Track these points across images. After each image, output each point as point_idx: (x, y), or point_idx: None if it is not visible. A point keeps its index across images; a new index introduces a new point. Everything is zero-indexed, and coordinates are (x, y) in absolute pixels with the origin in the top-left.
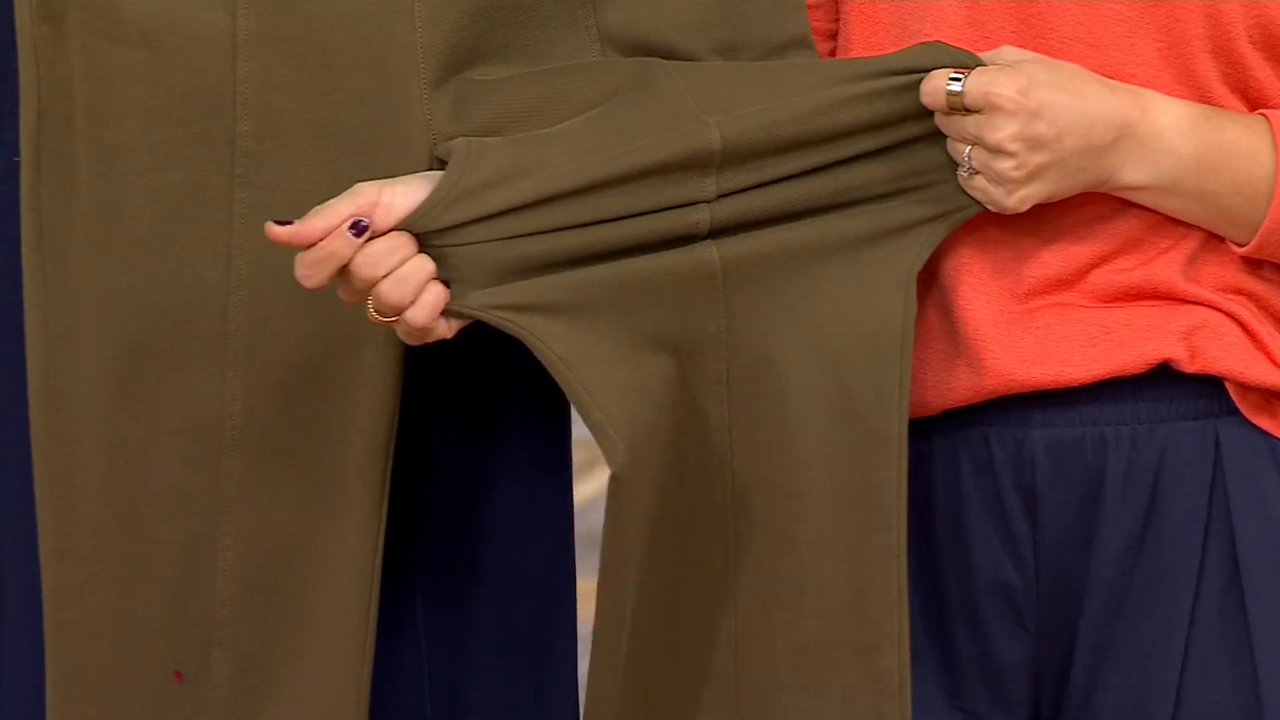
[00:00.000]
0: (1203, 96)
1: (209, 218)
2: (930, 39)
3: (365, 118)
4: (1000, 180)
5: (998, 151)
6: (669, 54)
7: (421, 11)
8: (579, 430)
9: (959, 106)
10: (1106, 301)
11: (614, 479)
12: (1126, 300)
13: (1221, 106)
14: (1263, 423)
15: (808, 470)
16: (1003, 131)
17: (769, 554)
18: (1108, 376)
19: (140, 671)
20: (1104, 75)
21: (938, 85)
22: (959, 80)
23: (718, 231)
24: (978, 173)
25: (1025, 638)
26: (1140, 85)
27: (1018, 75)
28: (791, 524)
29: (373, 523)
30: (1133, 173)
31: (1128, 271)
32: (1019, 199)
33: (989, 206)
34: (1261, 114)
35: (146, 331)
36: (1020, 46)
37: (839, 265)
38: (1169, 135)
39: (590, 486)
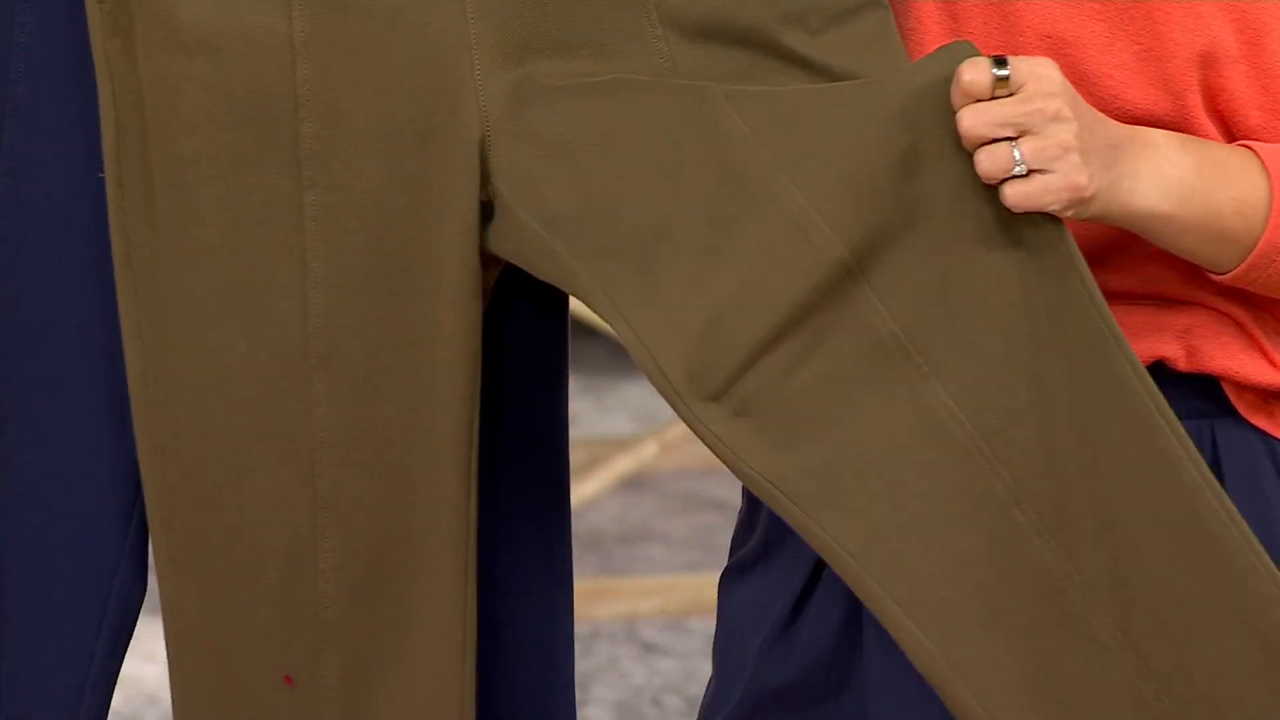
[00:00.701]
0: (1176, 102)
1: (280, 221)
2: (909, 35)
3: (422, 111)
4: (1062, 153)
5: (1056, 119)
6: (735, 29)
7: (473, 4)
8: (576, 430)
9: (1004, 87)
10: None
11: None
12: (1122, 300)
13: (1194, 115)
14: (1260, 422)
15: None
16: (1057, 100)
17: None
18: None
19: (252, 678)
20: (1078, 77)
21: (981, 67)
22: (1004, 63)
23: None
24: (1031, 170)
25: None
26: (1115, 87)
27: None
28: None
29: (463, 516)
30: (1146, 191)
31: (1123, 271)
32: (1089, 177)
33: (1054, 208)
34: (1242, 144)
35: (229, 339)
36: (998, 45)
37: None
38: (1166, 149)
39: (590, 486)
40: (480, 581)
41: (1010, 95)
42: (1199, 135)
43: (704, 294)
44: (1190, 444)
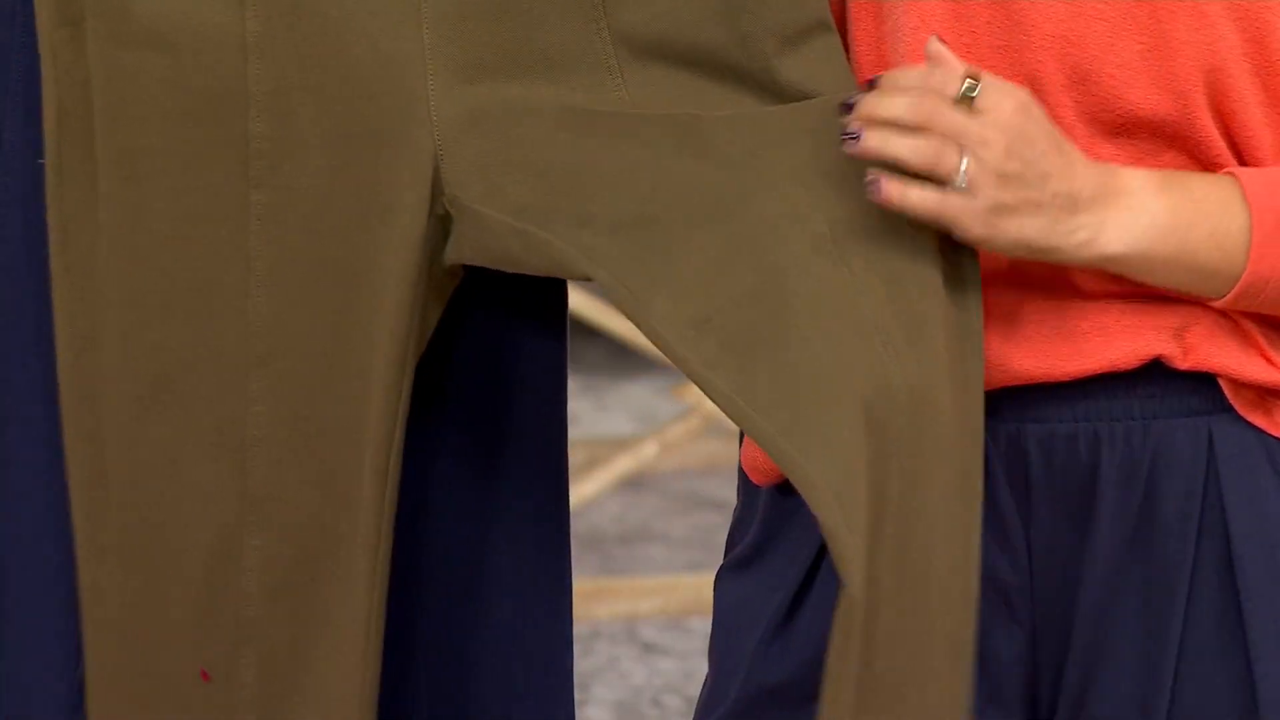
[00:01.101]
0: (1179, 102)
1: (227, 219)
2: (911, 34)
3: (373, 118)
4: (979, 185)
5: (1001, 154)
6: (688, 50)
7: (428, 13)
8: (576, 430)
9: (965, 104)
10: (1099, 298)
11: (850, 604)
12: (1117, 299)
13: (1197, 115)
14: (1257, 420)
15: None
16: (1004, 141)
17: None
18: (1099, 371)
19: (170, 670)
20: (1081, 76)
21: (956, 71)
22: (976, 83)
23: None
24: (961, 190)
25: (1020, 635)
26: (1118, 86)
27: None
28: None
29: (377, 522)
30: (1115, 239)
31: (1116, 276)
32: (1000, 229)
33: (956, 230)
34: (1227, 172)
35: (169, 333)
36: (1003, 45)
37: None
38: (1140, 194)
39: (589, 486)
40: (480, 581)
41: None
42: (1199, 135)
43: (688, 254)
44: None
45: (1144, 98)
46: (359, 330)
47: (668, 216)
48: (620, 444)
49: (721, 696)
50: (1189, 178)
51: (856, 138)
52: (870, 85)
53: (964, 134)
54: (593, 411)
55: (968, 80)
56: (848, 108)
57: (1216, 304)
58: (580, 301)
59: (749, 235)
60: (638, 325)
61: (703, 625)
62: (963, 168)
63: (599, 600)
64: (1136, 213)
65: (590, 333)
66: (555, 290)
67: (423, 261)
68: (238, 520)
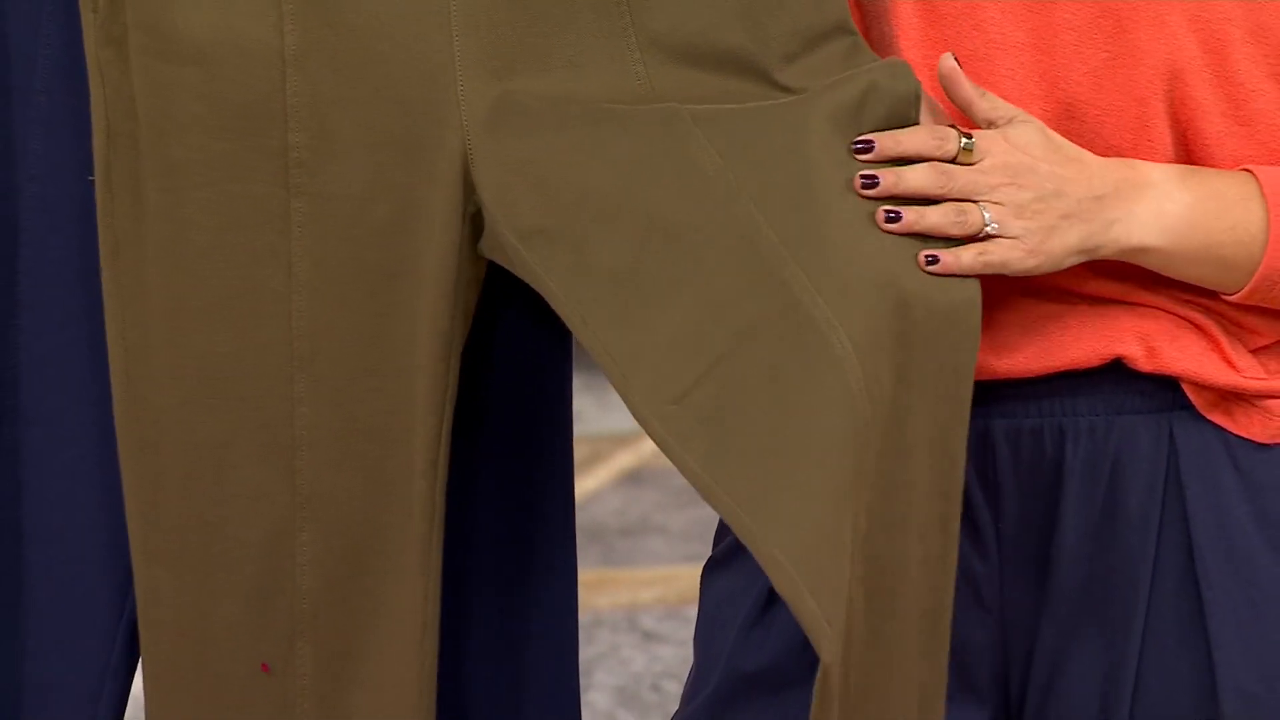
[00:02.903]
0: (1139, 109)
1: (268, 227)
2: (890, 39)
3: (407, 124)
4: (1007, 225)
5: (1013, 186)
6: (713, 53)
7: (457, 20)
8: (579, 427)
9: (967, 157)
10: (1065, 299)
11: (825, 671)
12: (1084, 300)
13: (1153, 122)
14: (1217, 419)
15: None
16: (1007, 173)
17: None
18: (1061, 369)
19: (229, 665)
20: (1049, 82)
21: (950, 139)
22: (970, 139)
23: None
24: (995, 236)
25: (990, 623)
26: (1082, 92)
27: (1011, 135)
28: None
29: (430, 513)
30: (1139, 232)
31: (1085, 275)
32: (1046, 251)
33: (1010, 271)
34: (1244, 169)
35: (215, 339)
36: (971, 50)
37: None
38: (1164, 186)
39: (592, 481)
40: (488, 573)
41: (970, 165)
42: (1153, 142)
43: (668, 313)
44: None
45: (1107, 104)
46: (401, 329)
47: (654, 265)
48: (621, 440)
49: (704, 683)
50: (1206, 172)
51: (898, 218)
52: (865, 145)
53: (975, 190)
54: (595, 409)
55: (963, 138)
56: (859, 148)
57: (1232, 298)
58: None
59: (726, 293)
60: (622, 398)
61: None
62: (986, 218)
63: (601, 590)
64: (1162, 203)
65: None
66: None
67: (459, 259)
68: (289, 517)
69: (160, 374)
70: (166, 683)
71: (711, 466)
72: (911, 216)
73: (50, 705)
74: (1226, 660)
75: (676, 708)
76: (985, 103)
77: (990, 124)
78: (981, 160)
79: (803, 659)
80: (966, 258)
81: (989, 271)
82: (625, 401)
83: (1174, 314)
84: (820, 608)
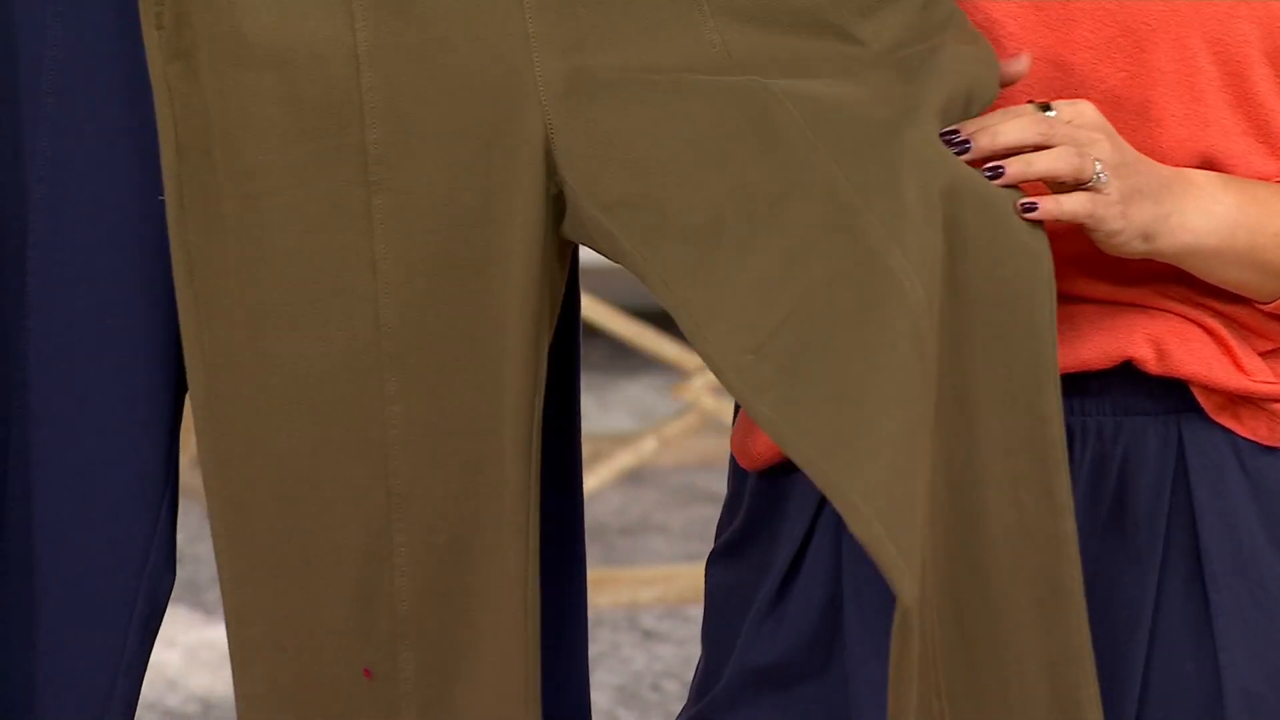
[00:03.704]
0: (1157, 130)
1: (351, 226)
2: None
3: (485, 112)
4: (1112, 178)
5: (1092, 131)
6: (786, 13)
7: (530, 4)
8: (584, 425)
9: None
10: (1075, 303)
11: (904, 615)
12: (1094, 303)
13: (1173, 144)
14: (1225, 421)
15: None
16: (1100, 132)
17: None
18: (1071, 370)
19: (332, 675)
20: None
21: (1026, 109)
22: (1048, 106)
23: None
24: (1094, 190)
25: None
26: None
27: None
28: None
29: (525, 502)
30: (1192, 226)
31: (1097, 277)
32: (1130, 217)
33: (1100, 228)
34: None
35: (302, 344)
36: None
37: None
38: (1209, 188)
39: (592, 480)
40: None
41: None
42: (1172, 163)
43: (747, 266)
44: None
45: (1124, 123)
46: (489, 319)
47: (735, 220)
48: (621, 440)
49: (714, 678)
50: (1247, 181)
51: (1001, 172)
52: (962, 145)
53: (1077, 139)
54: (595, 409)
55: (1037, 103)
56: (956, 146)
57: (1267, 307)
58: (583, 304)
59: (804, 245)
60: (697, 350)
61: (700, 613)
62: (1097, 167)
63: (601, 589)
64: (1210, 203)
65: (592, 333)
66: (569, 293)
67: (545, 242)
68: (385, 520)
69: (245, 388)
70: (266, 701)
71: (787, 413)
72: (1018, 167)
73: (63, 703)
74: (1233, 661)
75: (676, 707)
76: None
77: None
78: (1073, 120)
79: (814, 653)
80: (1069, 203)
81: (1088, 221)
82: (699, 352)
83: (1184, 317)
84: (900, 551)
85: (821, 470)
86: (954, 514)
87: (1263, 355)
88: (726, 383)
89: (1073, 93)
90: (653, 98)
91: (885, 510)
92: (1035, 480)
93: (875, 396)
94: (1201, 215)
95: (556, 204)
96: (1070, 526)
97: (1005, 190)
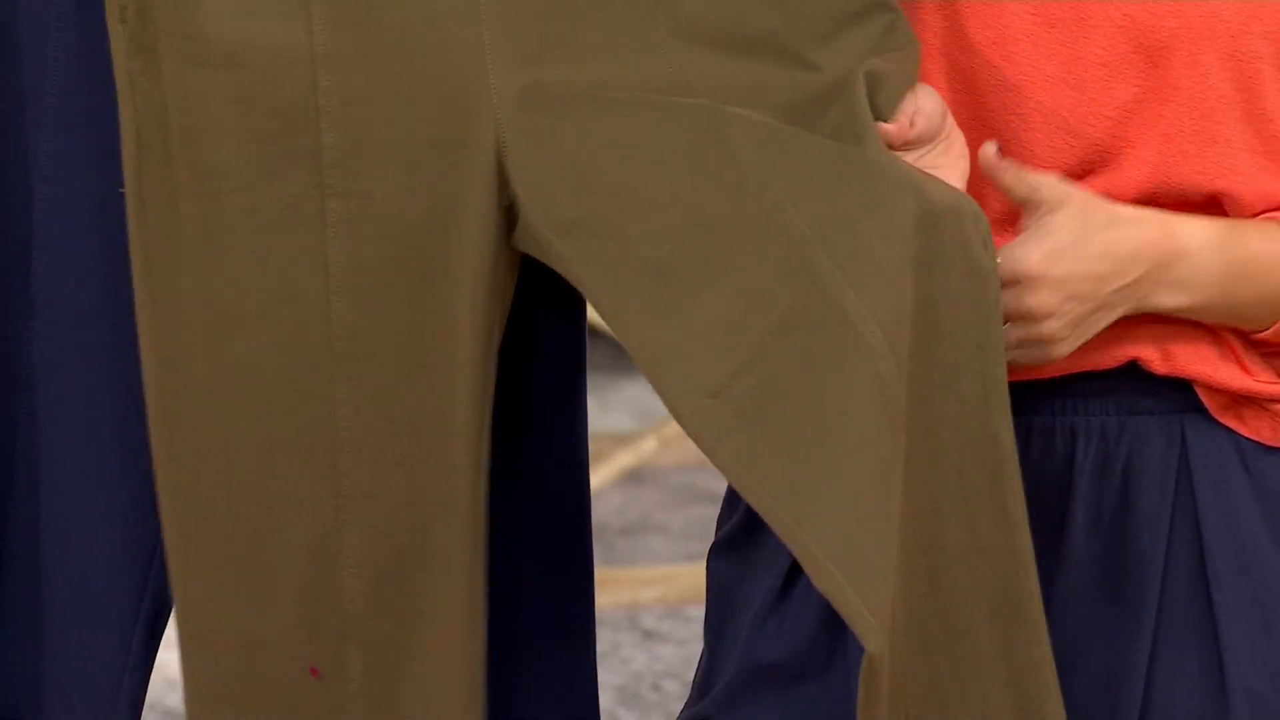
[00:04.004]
0: (1168, 147)
1: (305, 229)
2: (922, 71)
3: (440, 120)
4: (1047, 341)
5: (1035, 318)
6: (744, 39)
7: (487, 11)
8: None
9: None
10: None
11: (870, 663)
12: None
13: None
14: (1229, 421)
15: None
16: (1036, 298)
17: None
18: (1077, 370)
19: (278, 673)
20: (1075, 118)
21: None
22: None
23: None
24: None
25: None
26: (1110, 125)
27: (1043, 240)
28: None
29: (474, 509)
30: (1167, 299)
31: None
32: (1065, 350)
33: (1030, 365)
34: (1274, 219)
35: (254, 344)
36: (1001, 80)
37: None
38: (1197, 257)
39: (592, 480)
40: (509, 572)
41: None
42: (1181, 180)
43: (704, 305)
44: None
45: (1137, 139)
46: (440, 326)
47: (692, 256)
48: (621, 440)
49: (718, 675)
50: (1248, 235)
51: None
52: None
53: (1033, 344)
54: (595, 409)
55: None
56: None
57: (1258, 336)
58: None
59: (762, 286)
60: (655, 390)
61: (701, 613)
62: (1044, 333)
63: (601, 589)
64: (1193, 276)
65: (593, 333)
66: (573, 294)
67: (496, 253)
68: (334, 520)
69: (197, 385)
70: (211, 696)
71: (747, 461)
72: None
73: (70, 702)
74: (1236, 661)
75: (677, 707)
76: (1023, 188)
77: (1027, 207)
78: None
79: (818, 651)
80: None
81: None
82: (659, 394)
83: (1190, 320)
84: (863, 599)
85: (780, 520)
86: (915, 538)
87: (1267, 356)
88: (685, 426)
89: (1085, 110)
90: (608, 116)
91: (846, 559)
92: (988, 498)
93: (836, 445)
94: (1180, 286)
95: (508, 215)
96: (1025, 541)
97: (967, 204)
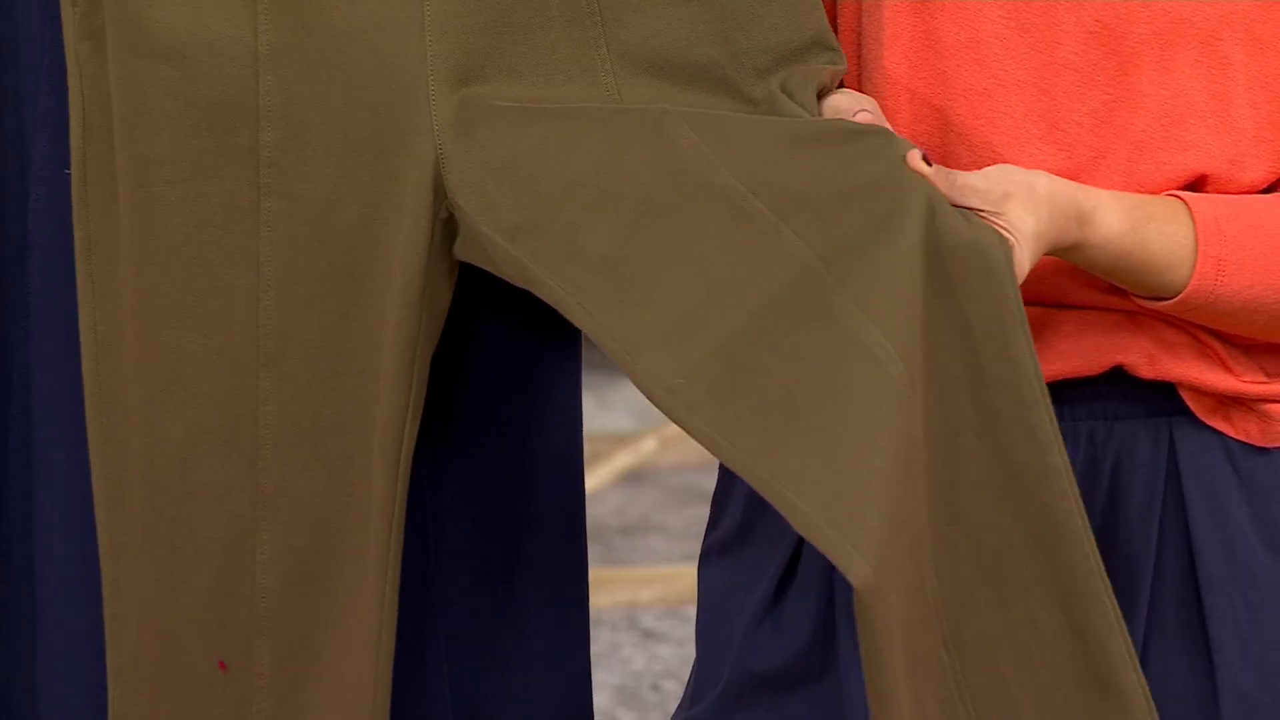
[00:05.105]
0: (1137, 154)
1: (238, 225)
2: (893, 76)
3: (378, 127)
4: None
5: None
6: (685, 67)
7: (432, 26)
8: (584, 425)
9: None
10: (1066, 311)
11: (857, 596)
12: (1088, 309)
13: (1153, 167)
14: (1216, 423)
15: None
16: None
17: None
18: (1065, 377)
19: (187, 661)
20: (1045, 123)
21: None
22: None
23: None
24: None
25: None
26: (1081, 133)
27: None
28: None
29: (389, 514)
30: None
31: (1089, 286)
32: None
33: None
34: (1169, 194)
35: (182, 335)
36: (971, 85)
37: None
38: (1106, 247)
39: (591, 480)
40: (496, 570)
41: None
42: (1151, 186)
43: (669, 292)
44: (1058, 431)
45: (1106, 146)
46: (365, 331)
47: (645, 249)
48: (621, 440)
49: (712, 680)
50: (1151, 231)
51: None
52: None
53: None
54: (594, 409)
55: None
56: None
57: (1165, 306)
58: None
59: (731, 271)
60: (627, 374)
61: None
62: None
63: (601, 589)
64: (1103, 218)
65: None
66: None
67: (427, 263)
68: (251, 515)
69: (129, 370)
70: (128, 677)
71: (719, 426)
72: None
73: (63, 700)
74: (1227, 663)
75: (676, 706)
76: (964, 203)
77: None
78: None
79: (812, 657)
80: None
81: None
82: (632, 379)
83: (1175, 325)
84: (841, 535)
85: (754, 473)
86: (935, 466)
87: (1252, 357)
88: (659, 405)
89: (1055, 116)
90: (544, 121)
91: (824, 499)
92: (1015, 419)
93: (818, 407)
94: (1083, 227)
95: (447, 227)
96: (1057, 461)
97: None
